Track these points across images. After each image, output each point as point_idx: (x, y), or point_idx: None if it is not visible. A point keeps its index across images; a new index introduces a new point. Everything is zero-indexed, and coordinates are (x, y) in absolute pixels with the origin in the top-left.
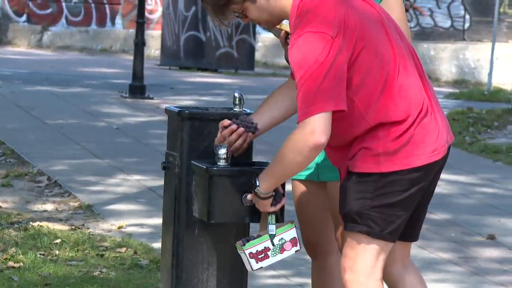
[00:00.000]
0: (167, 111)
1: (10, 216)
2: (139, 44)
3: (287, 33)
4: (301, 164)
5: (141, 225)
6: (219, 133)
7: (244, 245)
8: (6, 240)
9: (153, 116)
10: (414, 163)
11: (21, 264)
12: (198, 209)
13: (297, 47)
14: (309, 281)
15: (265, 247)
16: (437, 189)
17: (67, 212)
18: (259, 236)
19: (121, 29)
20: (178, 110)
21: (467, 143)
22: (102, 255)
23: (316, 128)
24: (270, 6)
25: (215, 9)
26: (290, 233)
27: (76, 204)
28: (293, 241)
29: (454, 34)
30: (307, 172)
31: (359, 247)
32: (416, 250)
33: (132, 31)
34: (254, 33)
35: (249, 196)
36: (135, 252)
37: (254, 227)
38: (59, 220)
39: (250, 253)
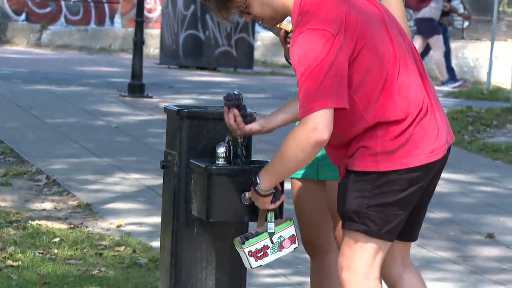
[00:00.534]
0: (166, 110)
1: (9, 214)
2: (138, 43)
3: (286, 32)
4: (303, 161)
5: (140, 224)
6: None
7: (244, 243)
8: (4, 239)
9: (152, 115)
10: (412, 162)
11: (20, 262)
12: (197, 208)
13: (298, 44)
14: (307, 280)
15: (264, 245)
16: (436, 188)
17: (66, 211)
18: (257, 233)
19: (120, 28)
20: (177, 109)
21: (466, 142)
22: (101, 254)
23: (318, 125)
24: (273, 2)
25: (219, 5)
26: (288, 230)
27: (75, 203)
28: (292, 239)
29: (453, 33)
30: (306, 171)
31: (356, 246)
32: (415, 249)
33: (131, 30)
34: (253, 32)
35: (248, 194)
36: (134, 251)
37: (253, 226)
38: (58, 219)
39: (250, 251)
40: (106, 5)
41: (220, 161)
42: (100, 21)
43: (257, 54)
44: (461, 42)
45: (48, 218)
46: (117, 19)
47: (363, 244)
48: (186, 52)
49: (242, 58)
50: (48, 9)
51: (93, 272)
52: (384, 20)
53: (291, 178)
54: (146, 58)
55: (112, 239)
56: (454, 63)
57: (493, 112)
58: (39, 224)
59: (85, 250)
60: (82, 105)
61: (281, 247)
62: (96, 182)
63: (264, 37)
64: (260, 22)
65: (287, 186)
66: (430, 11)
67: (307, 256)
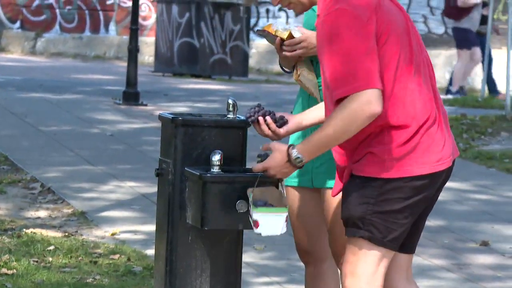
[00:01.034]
0: (160, 117)
1: (3, 223)
2: (133, 50)
3: (282, 40)
4: (352, 133)
5: (134, 232)
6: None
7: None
8: None
9: (147, 122)
10: (418, 171)
11: (15, 271)
12: (191, 216)
13: (331, 22)
14: (302, 287)
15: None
16: None
17: (61, 219)
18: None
19: (115, 35)
20: (172, 117)
21: (461, 149)
22: (95, 262)
23: (372, 99)
24: None
25: None
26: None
27: (70, 211)
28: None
29: (447, 41)
30: (301, 179)
31: (360, 253)
32: None
33: (126, 37)
34: (248, 40)
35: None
36: (129, 259)
37: (247, 234)
38: (53, 227)
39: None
40: (100, 13)
41: (215, 169)
42: (95, 29)
43: (252, 62)
44: (456, 50)
45: (42, 226)
46: (112, 26)
47: (367, 251)
48: (181, 60)
49: (237, 65)
50: (42, 17)
51: (87, 280)
52: (408, 26)
53: (286, 185)
54: (141, 66)
55: (106, 247)
56: (448, 70)
57: (487, 120)
58: (34, 232)
59: (79, 258)
60: (76, 113)
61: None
62: (90, 190)
63: (259, 44)
64: (282, 7)
65: None
66: (469, 21)
67: (301, 264)
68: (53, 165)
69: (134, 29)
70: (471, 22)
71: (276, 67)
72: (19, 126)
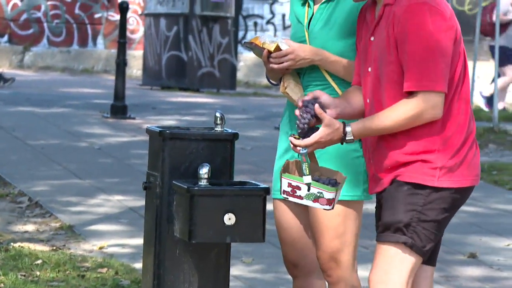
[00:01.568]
0: (148, 131)
1: None
2: (121, 64)
3: (269, 52)
4: (401, 128)
5: (122, 246)
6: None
7: (285, 172)
8: None
9: (135, 136)
10: (464, 183)
11: (2, 285)
12: (179, 229)
13: (422, 14)
14: None
15: (297, 186)
16: None
17: (48, 232)
18: (302, 174)
19: (102, 49)
20: (159, 130)
21: None
22: (83, 276)
23: (439, 104)
24: None
25: None
26: (330, 194)
27: (57, 224)
28: (329, 201)
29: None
30: None
31: (397, 260)
32: None
33: (114, 51)
34: (236, 53)
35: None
36: (117, 273)
37: (234, 247)
38: (40, 241)
39: (288, 182)
40: (88, 27)
41: (203, 182)
42: (83, 43)
43: (240, 75)
44: None
45: (30, 240)
46: (100, 40)
47: (405, 258)
48: (169, 73)
49: (225, 79)
50: (30, 31)
51: None
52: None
53: (273, 198)
54: (128, 79)
55: (94, 260)
56: None
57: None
58: (22, 246)
59: (67, 272)
60: (64, 126)
61: (316, 199)
62: (78, 204)
63: (247, 58)
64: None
65: (269, 207)
66: (506, 38)
67: (289, 277)
68: (41, 179)
69: (122, 43)
70: (508, 39)
71: (264, 80)
72: (7, 140)
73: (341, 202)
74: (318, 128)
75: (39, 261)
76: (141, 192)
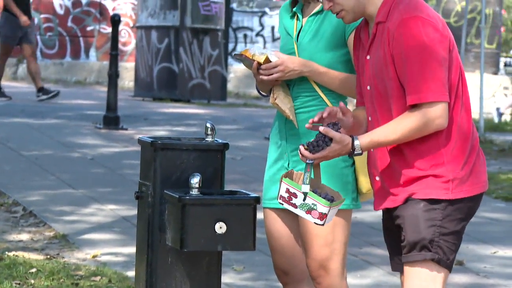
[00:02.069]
0: (140, 141)
1: None
2: (113, 75)
3: (259, 64)
4: (408, 139)
5: (115, 254)
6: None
7: (286, 177)
8: None
9: (127, 146)
10: (475, 190)
11: None
12: (171, 238)
13: (415, 27)
14: None
15: (294, 193)
16: None
17: (43, 241)
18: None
19: (95, 61)
20: (151, 141)
21: None
22: (77, 284)
23: (444, 114)
24: None
25: None
26: (323, 208)
27: (51, 233)
28: (321, 215)
29: None
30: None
31: (429, 277)
32: (385, 277)
33: (106, 63)
34: (226, 65)
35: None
36: (110, 281)
37: (226, 255)
38: (35, 250)
39: (286, 188)
40: (81, 39)
41: (194, 192)
42: (76, 55)
43: (230, 86)
44: None
45: (24, 249)
46: (92, 52)
47: (436, 274)
48: (160, 85)
49: (215, 90)
50: None
51: None
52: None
53: (264, 207)
54: (121, 91)
55: (88, 269)
56: None
57: None
58: (16, 255)
59: (61, 280)
60: (58, 137)
61: (309, 211)
62: (72, 213)
63: (237, 69)
64: (332, 13)
65: (260, 216)
66: None
67: (280, 284)
68: (34, 188)
69: (114, 55)
70: None
71: (254, 91)
72: (1, 151)
73: None
74: (330, 139)
75: (33, 270)
76: (133, 201)
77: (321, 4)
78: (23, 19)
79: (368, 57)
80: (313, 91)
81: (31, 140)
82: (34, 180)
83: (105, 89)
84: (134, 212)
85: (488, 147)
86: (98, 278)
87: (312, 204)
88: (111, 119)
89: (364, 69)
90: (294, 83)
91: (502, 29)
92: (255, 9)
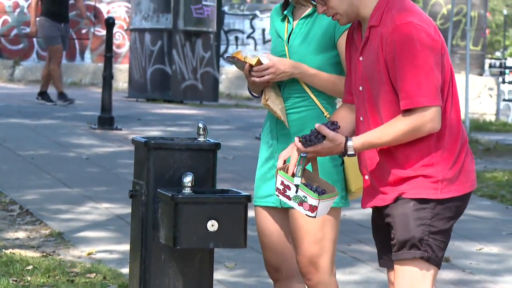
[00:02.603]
0: (134, 141)
1: None
2: (107, 77)
3: (251, 66)
4: (401, 142)
5: (110, 251)
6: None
7: (281, 170)
8: None
9: (121, 146)
10: (463, 190)
11: None
12: (164, 235)
13: (408, 32)
14: None
15: (288, 186)
16: None
17: (39, 239)
18: (294, 175)
19: (90, 63)
20: (145, 141)
21: None
22: (72, 281)
23: (436, 117)
24: None
25: None
26: (313, 200)
27: (47, 231)
28: (311, 208)
29: None
30: (270, 199)
31: (419, 275)
32: (373, 273)
33: (101, 65)
34: (218, 66)
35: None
36: (105, 278)
37: (218, 252)
38: (31, 247)
39: (281, 180)
40: (76, 41)
41: (186, 190)
42: (71, 57)
43: (222, 87)
44: None
45: (21, 246)
46: (87, 54)
47: (426, 272)
48: (154, 86)
49: (207, 91)
50: (20, 46)
51: None
52: (446, 49)
53: (255, 205)
54: (115, 92)
55: (83, 266)
56: None
57: None
58: (13, 253)
59: (57, 277)
60: (53, 137)
61: (301, 203)
62: (67, 212)
63: (228, 71)
64: (327, 16)
65: (251, 213)
66: None
67: (271, 280)
68: (31, 188)
69: (109, 57)
70: None
71: (245, 92)
72: None
73: None
74: (322, 136)
75: (30, 267)
76: (127, 200)
77: (311, 7)
78: (32, 29)
79: (361, 58)
80: (304, 92)
81: (28, 140)
82: (31, 179)
83: (99, 90)
84: (128, 210)
85: (474, 147)
86: (93, 275)
87: (303, 196)
88: (106, 120)
89: (356, 70)
90: (285, 85)
91: (487, 31)
92: (246, 12)
